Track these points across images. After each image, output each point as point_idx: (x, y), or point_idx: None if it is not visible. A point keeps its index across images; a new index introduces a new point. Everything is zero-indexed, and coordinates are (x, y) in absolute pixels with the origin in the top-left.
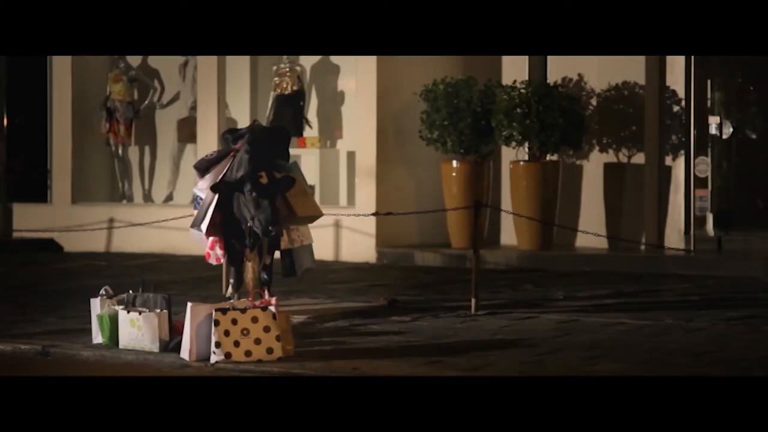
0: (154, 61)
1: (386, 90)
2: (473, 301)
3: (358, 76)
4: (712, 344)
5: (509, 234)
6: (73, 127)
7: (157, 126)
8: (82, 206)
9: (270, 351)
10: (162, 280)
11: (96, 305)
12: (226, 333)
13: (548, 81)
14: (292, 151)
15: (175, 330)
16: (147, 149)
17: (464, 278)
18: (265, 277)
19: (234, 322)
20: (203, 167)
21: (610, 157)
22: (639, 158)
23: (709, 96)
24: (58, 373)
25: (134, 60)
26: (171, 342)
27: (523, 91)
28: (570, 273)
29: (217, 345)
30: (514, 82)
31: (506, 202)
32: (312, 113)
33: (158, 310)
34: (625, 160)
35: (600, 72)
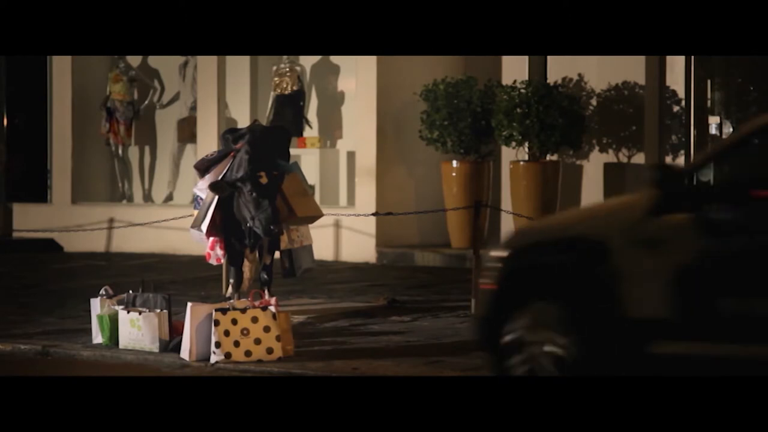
0: (154, 61)
1: (386, 90)
2: (473, 301)
3: (358, 76)
4: None
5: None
6: (73, 127)
7: (157, 126)
8: (82, 206)
9: (270, 351)
10: (162, 280)
11: (96, 305)
12: (226, 333)
13: (548, 81)
14: (292, 151)
15: (175, 330)
16: (147, 149)
17: (464, 278)
18: (265, 277)
19: (234, 322)
20: (203, 167)
21: (610, 157)
22: (639, 158)
23: (709, 96)
24: (58, 373)
25: (134, 60)
26: (171, 342)
27: (523, 91)
28: None
29: (217, 345)
30: (514, 82)
31: (506, 202)
32: (312, 113)
33: (158, 310)
34: (625, 160)
35: (600, 72)
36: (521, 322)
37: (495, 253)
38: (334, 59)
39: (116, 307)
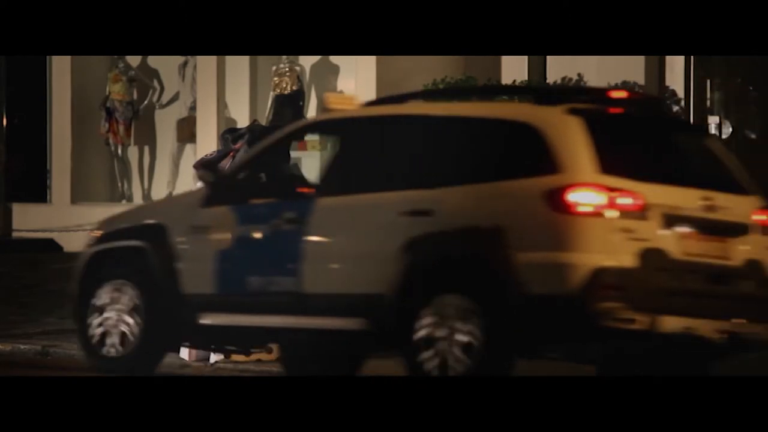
0: (154, 61)
1: (386, 90)
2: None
3: (358, 76)
4: None
5: None
6: (73, 127)
7: (157, 126)
8: (82, 206)
9: (270, 351)
10: None
11: None
12: None
13: (548, 81)
14: (292, 153)
15: None
16: (147, 149)
17: None
18: None
19: None
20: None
21: None
22: None
23: (708, 96)
24: (58, 373)
25: (134, 60)
26: None
27: None
28: None
29: None
30: (514, 82)
31: None
32: (312, 113)
33: None
34: None
35: (600, 72)
36: (101, 299)
37: (89, 237)
38: (334, 59)
39: None
